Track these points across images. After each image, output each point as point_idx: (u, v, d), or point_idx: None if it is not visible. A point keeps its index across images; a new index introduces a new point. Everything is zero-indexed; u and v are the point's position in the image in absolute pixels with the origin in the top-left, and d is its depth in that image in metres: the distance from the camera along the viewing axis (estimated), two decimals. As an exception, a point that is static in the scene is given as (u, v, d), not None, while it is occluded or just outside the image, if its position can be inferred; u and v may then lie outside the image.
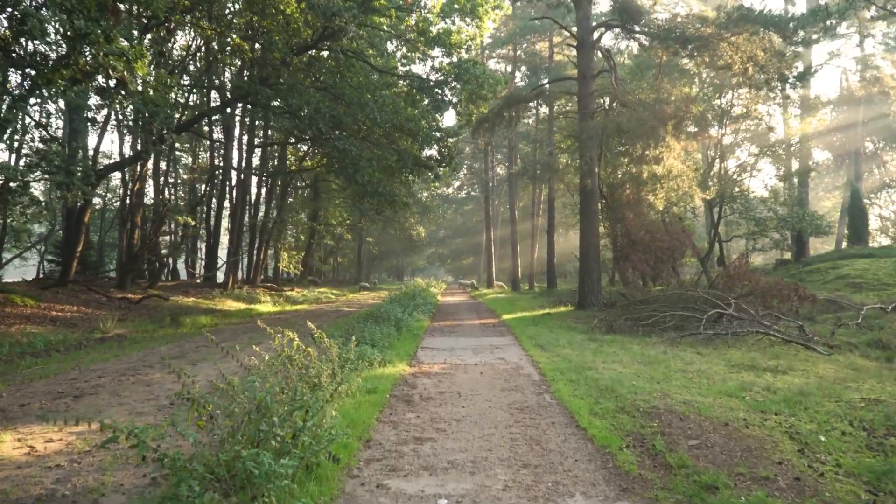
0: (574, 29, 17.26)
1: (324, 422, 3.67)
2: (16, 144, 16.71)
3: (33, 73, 7.87)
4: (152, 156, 19.25)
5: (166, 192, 27.01)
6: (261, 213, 28.25)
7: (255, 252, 27.00)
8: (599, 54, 17.03)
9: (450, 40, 16.51)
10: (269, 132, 26.91)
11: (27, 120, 14.75)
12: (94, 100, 14.65)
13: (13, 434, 4.48)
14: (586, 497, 3.31)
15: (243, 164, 25.17)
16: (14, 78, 11.72)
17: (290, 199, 31.92)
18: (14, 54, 8.23)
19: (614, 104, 16.97)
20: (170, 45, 17.41)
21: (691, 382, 6.36)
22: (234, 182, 25.54)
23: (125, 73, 6.75)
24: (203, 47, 20.25)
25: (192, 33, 20.00)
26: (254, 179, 27.45)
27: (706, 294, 11.60)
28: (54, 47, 9.85)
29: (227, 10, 15.93)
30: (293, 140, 23.86)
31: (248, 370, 3.88)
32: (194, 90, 22.10)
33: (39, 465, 3.80)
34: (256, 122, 25.51)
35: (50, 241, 21.38)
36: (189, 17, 14.52)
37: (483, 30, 18.00)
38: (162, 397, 5.74)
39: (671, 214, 18.84)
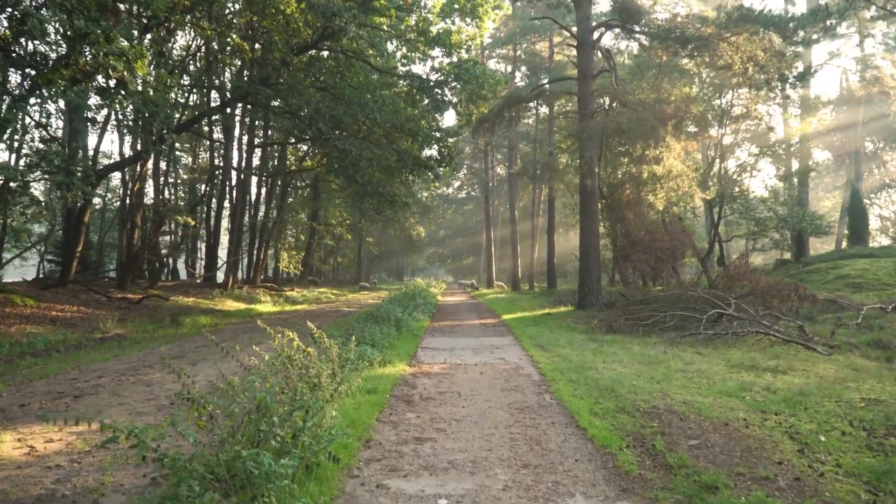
0: (574, 29, 17.26)
1: (324, 422, 3.67)
2: (16, 144, 16.71)
3: (33, 73, 7.87)
4: (152, 156, 19.25)
5: (166, 192, 27.02)
6: (261, 213, 28.26)
7: (254, 252, 27.00)
8: (599, 54, 17.03)
9: (450, 40, 16.51)
10: (269, 132, 26.91)
11: (27, 120, 14.75)
12: (94, 100, 14.66)
13: (13, 434, 4.48)
14: (586, 497, 3.31)
15: (243, 164, 25.17)
16: (14, 78, 11.74)
17: (290, 199, 31.92)
18: (14, 54, 8.23)
19: (614, 104, 16.97)
20: (170, 45, 17.41)
21: (691, 382, 6.36)
22: (234, 182, 25.54)
23: (125, 72, 6.75)
24: (203, 47, 20.25)
25: (192, 33, 20.01)
26: (254, 179, 27.46)
27: (706, 294, 11.59)
28: (54, 47, 9.85)
29: (227, 10, 15.93)
30: (293, 140, 23.86)
31: (248, 370, 3.88)
32: (194, 90, 22.10)
33: (39, 465, 3.80)
34: (256, 122, 25.52)
35: (50, 241, 21.37)
36: (189, 17, 14.53)
37: (483, 30, 18.01)
38: (162, 397, 5.74)
39: (671, 214, 18.84)
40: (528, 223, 36.26)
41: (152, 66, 13.81)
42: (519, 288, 31.87)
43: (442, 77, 16.84)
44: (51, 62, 7.94)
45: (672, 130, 14.98)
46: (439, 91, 16.88)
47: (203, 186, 30.22)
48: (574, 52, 20.40)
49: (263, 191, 28.61)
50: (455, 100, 17.14)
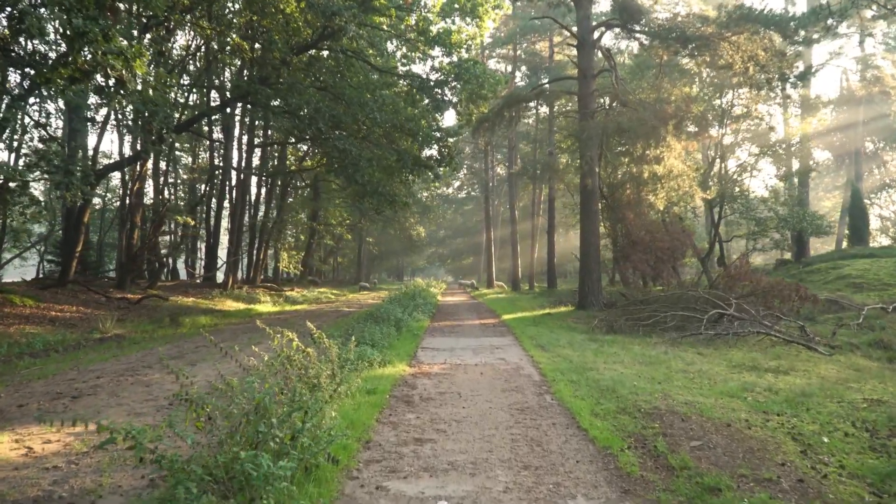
0: (574, 28, 17.24)
1: (323, 423, 3.64)
2: (15, 144, 16.68)
3: (32, 72, 7.84)
4: (152, 155, 19.23)
5: (166, 192, 26.96)
6: (261, 213, 28.23)
7: (254, 252, 26.97)
8: (600, 54, 17.01)
9: (450, 40, 16.48)
10: (269, 132, 26.88)
11: (27, 119, 14.74)
12: (93, 99, 14.64)
13: (11, 435, 4.45)
14: (588, 499, 3.29)
15: (243, 164, 25.14)
16: (13, 78, 11.71)
17: (290, 199, 31.90)
18: (13, 54, 8.21)
19: (615, 104, 16.94)
20: (169, 44, 17.37)
21: (693, 383, 6.34)
22: (233, 182, 25.51)
23: (123, 71, 6.73)
24: (203, 47, 20.22)
25: (192, 33, 19.98)
26: (254, 179, 27.43)
27: (707, 294, 11.57)
28: (53, 47, 9.83)
29: (227, 10, 15.91)
30: (293, 140, 23.83)
31: (246, 371, 3.85)
32: (194, 90, 22.08)
33: (37, 466, 3.77)
34: (256, 122, 25.49)
35: (49, 241, 21.34)
36: (188, 16, 14.51)
37: (483, 29, 17.98)
38: (161, 398, 5.71)
39: (671, 214, 18.82)
40: (528, 223, 36.24)
41: (152, 66, 13.79)
42: (519, 288, 31.85)
43: (442, 77, 16.81)
44: (50, 62, 7.92)
45: (672, 130, 14.95)
46: (439, 91, 16.85)
47: (203, 186, 30.20)
48: (574, 52, 20.38)
49: (263, 191, 28.60)
50: (455, 99, 17.11)
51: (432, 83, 16.92)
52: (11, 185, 10.60)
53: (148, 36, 13.78)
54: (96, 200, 25.27)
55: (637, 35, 16.44)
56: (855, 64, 26.97)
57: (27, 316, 11.34)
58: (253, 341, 9.20)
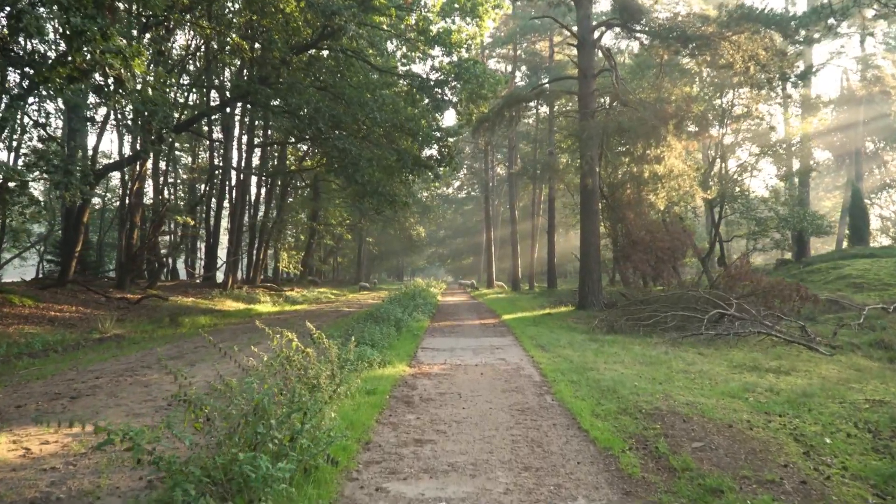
0: (574, 28, 17.21)
1: (322, 424, 3.62)
2: (14, 144, 16.67)
3: (31, 72, 7.82)
4: (151, 155, 19.21)
5: (166, 192, 26.94)
6: (260, 213, 28.20)
7: (254, 252, 26.95)
8: (600, 53, 16.98)
9: (450, 39, 16.45)
10: (269, 132, 26.86)
11: (26, 119, 14.71)
12: (92, 98, 14.62)
13: (9, 436, 4.43)
14: (589, 501, 3.26)
15: (243, 164, 25.12)
16: (13, 77, 11.69)
17: (290, 199, 31.88)
18: (13, 53, 8.19)
19: (615, 103, 16.91)
20: (169, 44, 17.35)
21: (694, 383, 6.31)
22: (233, 182, 25.49)
23: (122, 70, 6.70)
24: (202, 46, 20.21)
25: (192, 32, 19.96)
26: (253, 179, 27.40)
27: (707, 294, 11.55)
28: (52, 46, 9.81)
29: (227, 10, 15.89)
30: (293, 140, 23.81)
31: (246, 371, 3.83)
32: (193, 89, 22.06)
33: (34, 467, 3.75)
34: (256, 122, 25.47)
35: (49, 241, 21.33)
36: (188, 16, 14.48)
37: (483, 29, 17.96)
38: (159, 398, 5.69)
39: (672, 214, 18.80)
40: (529, 223, 36.22)
41: (151, 65, 13.77)
42: (519, 288, 31.83)
43: (442, 76, 16.79)
44: (49, 61, 7.89)
45: (673, 130, 14.93)
46: (439, 90, 16.83)
47: (202, 186, 30.18)
48: (574, 52, 20.35)
49: (263, 190, 28.57)
50: (455, 99, 17.09)
51: (432, 83, 16.90)
52: (11, 184, 10.58)
53: (147, 35, 13.76)
54: (96, 200, 25.27)
55: (637, 35, 16.42)
56: (855, 63, 26.96)
57: (26, 316, 11.31)
58: (252, 341, 9.18)
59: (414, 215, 40.87)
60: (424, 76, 17.49)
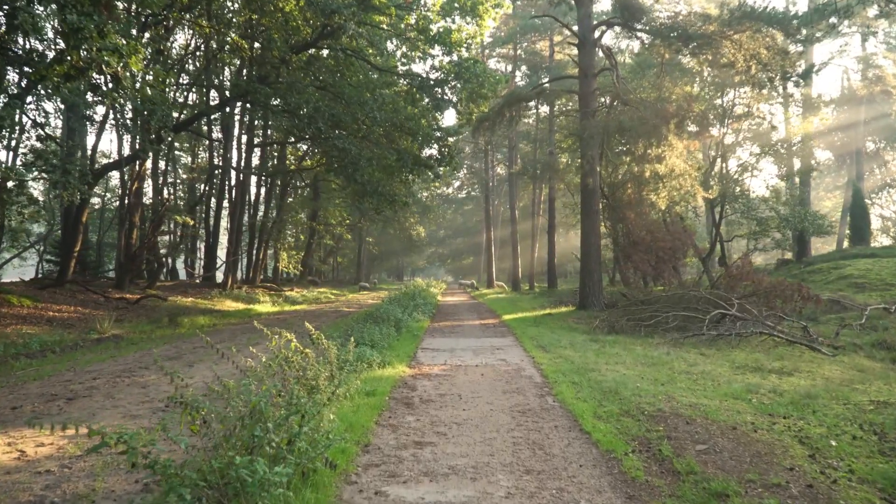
0: (575, 27, 17.16)
1: (321, 426, 3.56)
2: (13, 143, 16.61)
3: (29, 70, 7.77)
4: (151, 155, 19.16)
5: (165, 192, 26.91)
6: (260, 213, 28.15)
7: (254, 252, 26.90)
8: (600, 53, 16.92)
9: (450, 39, 16.41)
10: (269, 131, 26.82)
11: (24, 118, 14.65)
12: (90, 97, 14.56)
13: (4, 438, 4.37)
14: (592, 505, 3.20)
15: (242, 164, 25.06)
16: (11, 76, 11.63)
17: (290, 199, 31.83)
18: (10, 52, 8.13)
19: (616, 103, 16.86)
20: (168, 43, 17.30)
21: (696, 384, 6.26)
22: (233, 181, 25.43)
23: (119, 68, 6.65)
24: (202, 46, 20.15)
25: (191, 32, 19.91)
26: (253, 179, 27.35)
27: (708, 294, 11.49)
28: (50, 45, 9.75)
29: (226, 9, 15.84)
30: (292, 139, 23.77)
31: (244, 372, 3.77)
32: (193, 89, 22.01)
33: (29, 470, 3.69)
34: (256, 122, 25.42)
35: (48, 241, 21.28)
36: (187, 15, 14.44)
37: (483, 28, 17.91)
38: (157, 400, 5.64)
39: (673, 214, 18.75)
40: (529, 223, 36.16)
41: (150, 64, 13.71)
42: (519, 288, 31.78)
43: (442, 76, 16.75)
44: (47, 59, 7.84)
45: (674, 129, 14.86)
46: (439, 90, 16.79)
47: (202, 186, 30.12)
48: (575, 51, 20.28)
49: (263, 190, 28.52)
50: (455, 99, 17.05)
51: (432, 82, 16.86)
52: (9, 184, 10.54)
53: (147, 34, 13.71)
54: (95, 200, 25.24)
55: (638, 34, 16.36)
56: (856, 63, 26.96)
57: (24, 316, 11.26)
58: (251, 342, 9.13)
59: (414, 215, 40.84)
60: (424, 75, 17.45)
